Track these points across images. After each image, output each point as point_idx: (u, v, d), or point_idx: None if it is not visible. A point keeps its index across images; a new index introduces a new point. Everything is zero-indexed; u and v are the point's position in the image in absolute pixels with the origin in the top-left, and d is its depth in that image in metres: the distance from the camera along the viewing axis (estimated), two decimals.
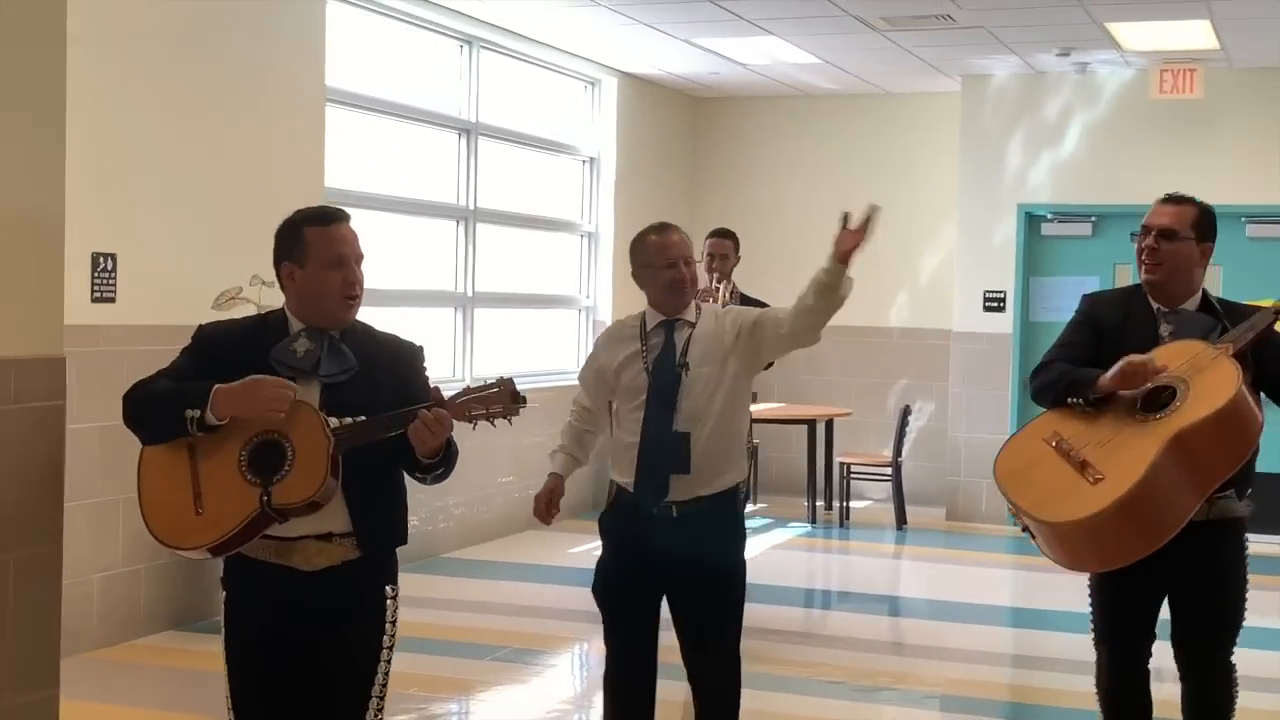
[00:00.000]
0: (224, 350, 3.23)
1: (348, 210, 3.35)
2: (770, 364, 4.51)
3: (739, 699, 4.08)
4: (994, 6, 8.43)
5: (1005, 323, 10.63)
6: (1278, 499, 8.57)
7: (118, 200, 5.96)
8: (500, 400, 3.14)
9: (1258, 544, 4.37)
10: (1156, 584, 3.91)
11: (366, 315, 3.42)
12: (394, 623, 3.31)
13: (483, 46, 9.47)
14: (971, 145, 11.03)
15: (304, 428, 3.07)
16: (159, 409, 3.12)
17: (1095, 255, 10.29)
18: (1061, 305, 10.22)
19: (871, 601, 7.98)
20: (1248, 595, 3.91)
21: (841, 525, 10.04)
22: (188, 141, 6.30)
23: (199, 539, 3.11)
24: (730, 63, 10.51)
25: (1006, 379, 10.27)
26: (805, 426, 10.29)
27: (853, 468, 10.24)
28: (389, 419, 3.10)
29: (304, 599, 3.21)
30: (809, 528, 9.89)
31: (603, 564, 4.05)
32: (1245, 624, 3.91)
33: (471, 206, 9.31)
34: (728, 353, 3.92)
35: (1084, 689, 4.43)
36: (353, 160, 8.14)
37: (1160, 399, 3.63)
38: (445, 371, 8.75)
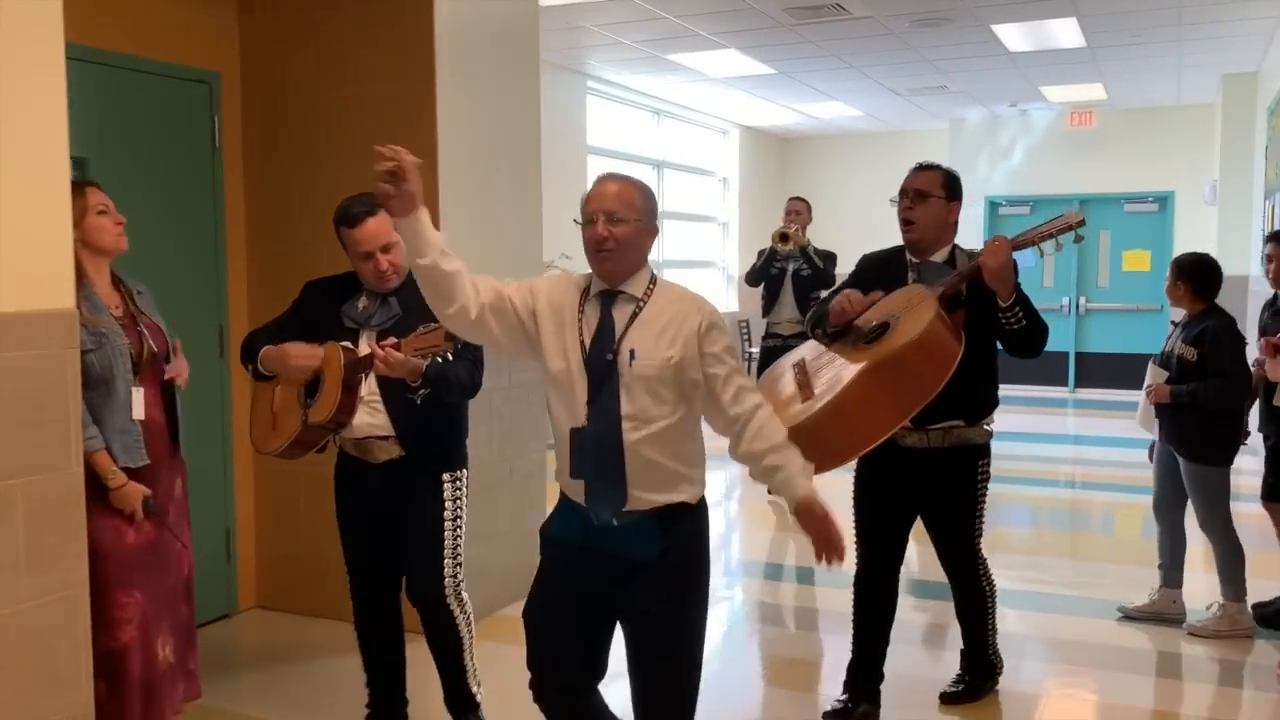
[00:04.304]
0: (315, 299, 3.36)
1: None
2: None
3: None
4: (974, 79, 10.40)
5: None
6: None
7: None
8: (434, 339, 2.92)
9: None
10: (908, 503, 3.66)
11: None
12: (455, 500, 3.33)
13: (667, 114, 12.00)
14: (957, 159, 12.55)
15: (333, 365, 3.15)
16: (244, 356, 3.35)
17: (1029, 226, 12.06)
18: None
19: None
20: (984, 506, 3.67)
21: None
22: None
23: (271, 445, 3.28)
24: (808, 117, 12.80)
25: None
26: None
27: None
28: (364, 359, 3.10)
29: (372, 483, 3.31)
30: None
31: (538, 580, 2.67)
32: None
33: (662, 209, 11.98)
34: (679, 369, 2.49)
35: None
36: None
37: (879, 333, 3.28)
38: None
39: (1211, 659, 4.46)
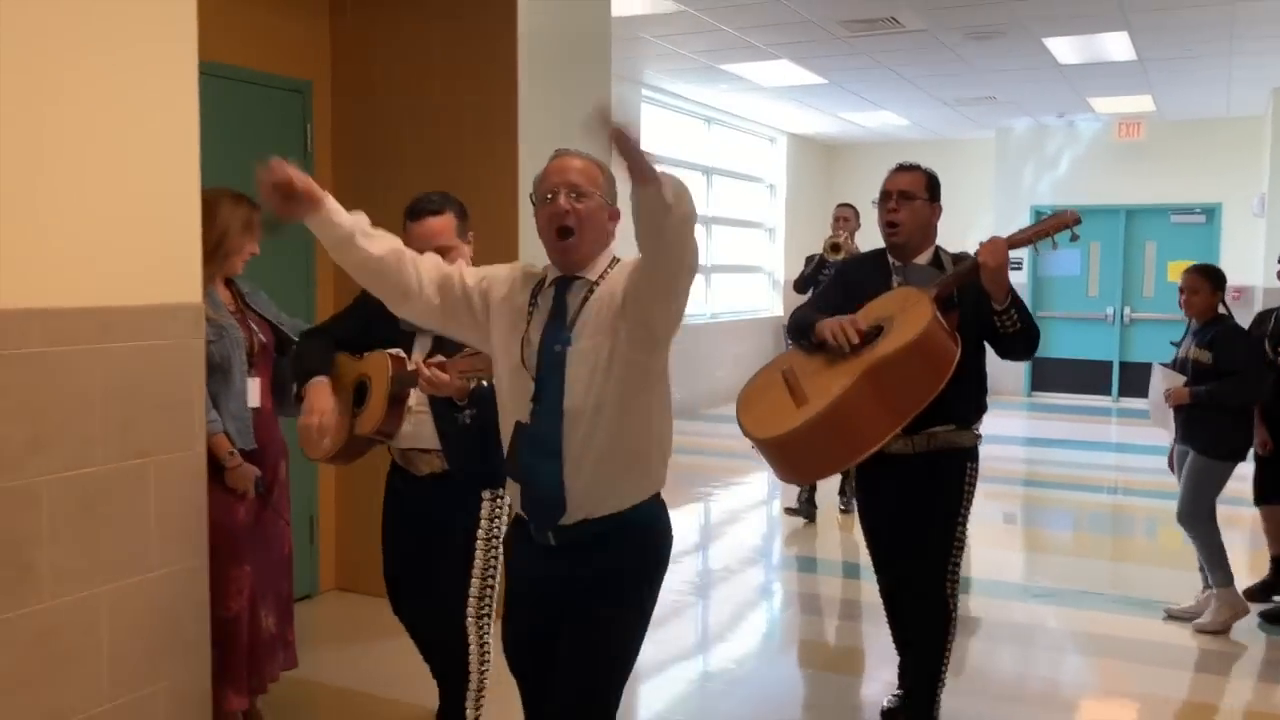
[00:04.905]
0: (374, 302, 2.67)
1: None
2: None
3: None
4: (1022, 90, 10.49)
5: (1019, 276, 11.52)
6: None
7: None
8: (480, 361, 2.83)
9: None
10: (895, 510, 3.49)
11: None
12: (492, 519, 3.19)
13: (717, 122, 12.29)
14: (1003, 169, 13.20)
15: (380, 376, 3.11)
16: (294, 370, 3.31)
17: None
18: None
19: None
20: (966, 517, 3.46)
21: None
22: None
23: (318, 452, 3.24)
24: (855, 126, 12.99)
25: None
26: None
27: None
28: (411, 374, 3.04)
29: (415, 495, 3.26)
30: None
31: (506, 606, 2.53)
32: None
33: (710, 214, 12.09)
34: (616, 317, 2.26)
35: None
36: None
37: (873, 336, 3.16)
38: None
39: (1254, 658, 4.63)
